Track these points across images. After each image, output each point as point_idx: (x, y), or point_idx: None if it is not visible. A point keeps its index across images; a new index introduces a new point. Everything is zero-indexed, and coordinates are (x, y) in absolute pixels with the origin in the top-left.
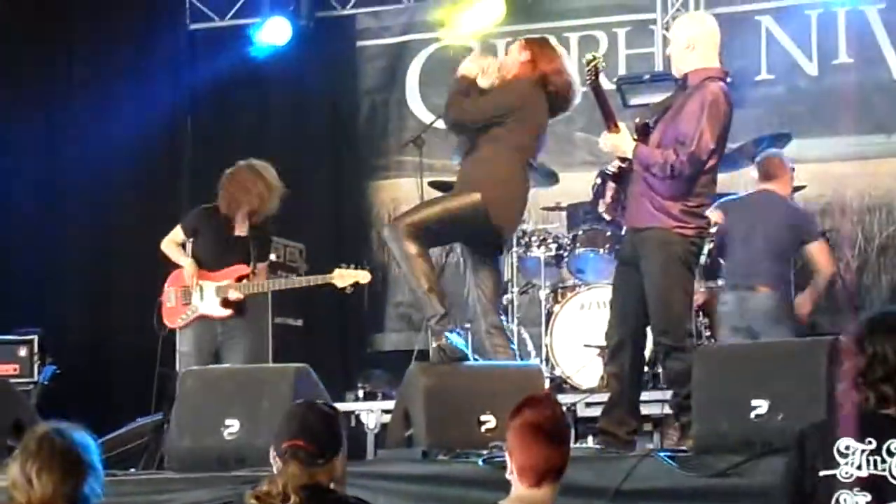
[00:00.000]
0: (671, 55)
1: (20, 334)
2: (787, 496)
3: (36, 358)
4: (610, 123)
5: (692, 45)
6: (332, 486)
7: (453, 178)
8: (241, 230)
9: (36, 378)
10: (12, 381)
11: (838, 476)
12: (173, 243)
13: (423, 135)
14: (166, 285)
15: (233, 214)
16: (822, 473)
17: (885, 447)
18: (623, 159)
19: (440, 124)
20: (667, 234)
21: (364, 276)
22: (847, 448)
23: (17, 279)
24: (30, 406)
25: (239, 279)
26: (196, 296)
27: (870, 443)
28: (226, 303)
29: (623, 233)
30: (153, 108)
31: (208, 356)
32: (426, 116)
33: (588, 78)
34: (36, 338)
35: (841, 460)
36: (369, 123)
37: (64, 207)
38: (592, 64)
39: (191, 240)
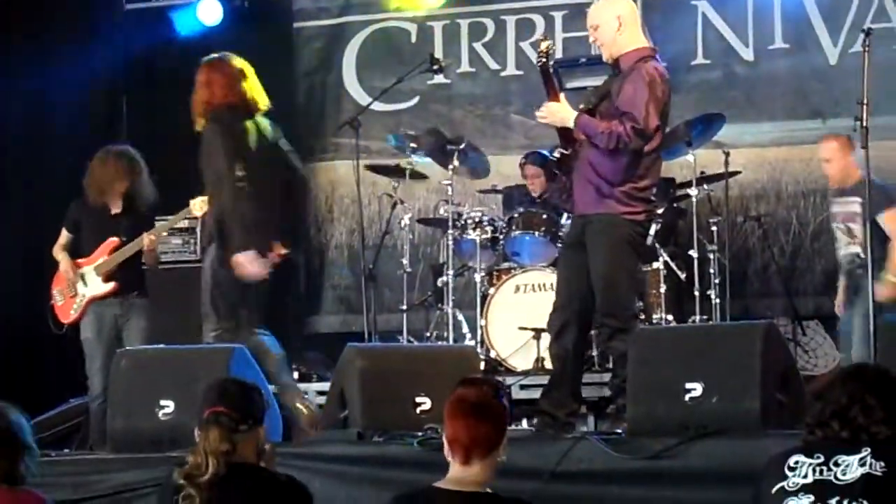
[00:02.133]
0: (600, 41)
1: None
2: None
3: None
4: (552, 96)
5: (622, 26)
6: (261, 464)
7: (389, 161)
8: (116, 209)
9: None
10: None
11: (786, 486)
12: (58, 247)
13: (359, 117)
14: (52, 287)
15: (104, 202)
16: (773, 490)
17: (832, 460)
18: (564, 146)
19: (376, 106)
20: (614, 219)
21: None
22: (797, 462)
23: None
24: None
25: (112, 252)
26: (80, 284)
27: (818, 457)
28: (107, 277)
29: (564, 217)
30: (88, 88)
31: (110, 338)
32: (363, 98)
33: (539, 60)
34: None
35: (790, 473)
36: (306, 105)
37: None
38: (544, 47)
39: (73, 236)
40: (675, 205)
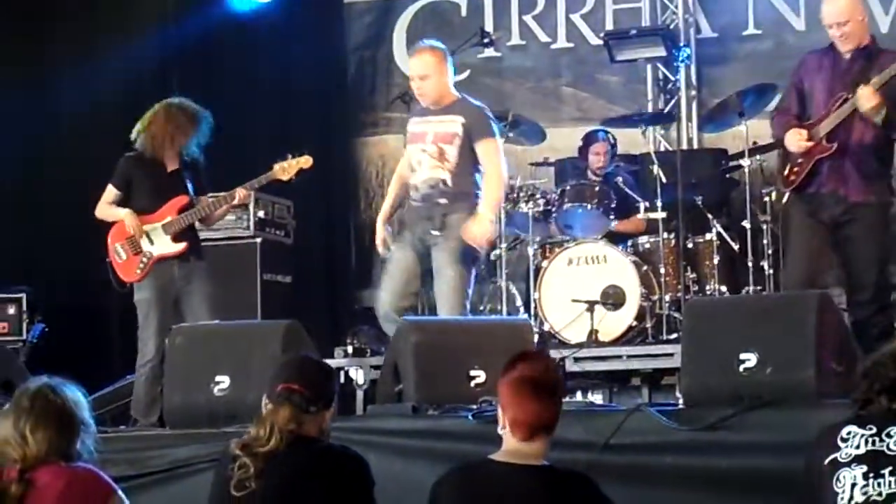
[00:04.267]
0: (848, 34)
1: (9, 292)
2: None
3: (25, 316)
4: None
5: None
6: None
7: None
8: (173, 166)
9: (25, 336)
10: (1, 339)
11: (838, 457)
12: (106, 204)
13: (410, 91)
14: (109, 243)
15: (159, 154)
16: (826, 461)
17: (884, 432)
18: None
19: None
20: (886, 206)
21: (306, 161)
22: (849, 433)
23: (4, 237)
24: (19, 364)
25: (181, 211)
26: (145, 242)
27: (871, 429)
28: (176, 237)
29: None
30: (139, 66)
31: (168, 302)
32: None
33: None
34: (24, 296)
35: (842, 444)
36: (357, 80)
37: (50, 165)
38: None
39: (123, 193)
40: (727, 175)
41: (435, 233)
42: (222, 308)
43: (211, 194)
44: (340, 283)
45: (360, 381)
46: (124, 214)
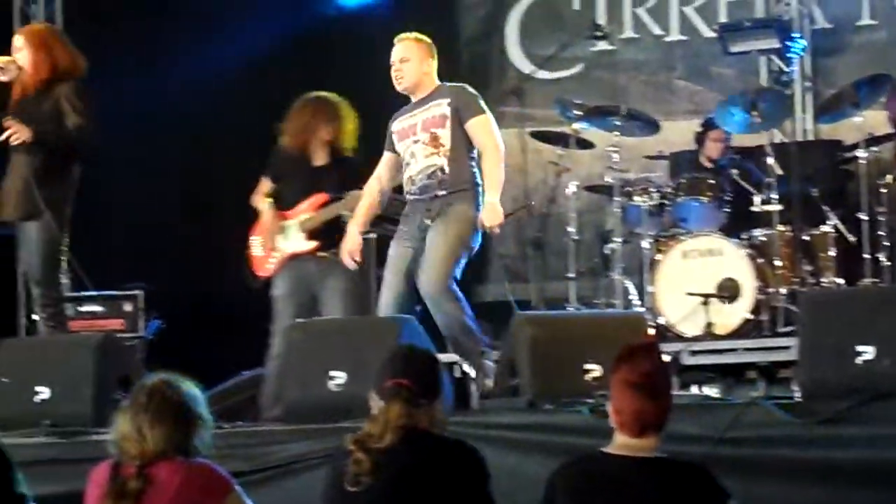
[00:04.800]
0: None
1: (125, 289)
2: None
3: (141, 313)
4: None
5: None
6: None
7: (554, 129)
8: (321, 161)
9: (141, 333)
10: (118, 336)
11: None
12: (258, 195)
13: (522, 85)
14: (251, 237)
15: (299, 149)
16: None
17: None
18: None
19: (540, 74)
20: None
21: None
22: None
23: (121, 235)
24: (137, 360)
25: (319, 208)
26: (280, 238)
27: None
28: (310, 235)
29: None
30: (250, 54)
31: (303, 298)
32: (526, 66)
33: None
34: (141, 293)
35: None
36: (469, 74)
37: (166, 161)
38: None
39: (275, 185)
40: (842, 167)
41: (428, 221)
42: (361, 303)
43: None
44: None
45: (475, 376)
46: (263, 208)
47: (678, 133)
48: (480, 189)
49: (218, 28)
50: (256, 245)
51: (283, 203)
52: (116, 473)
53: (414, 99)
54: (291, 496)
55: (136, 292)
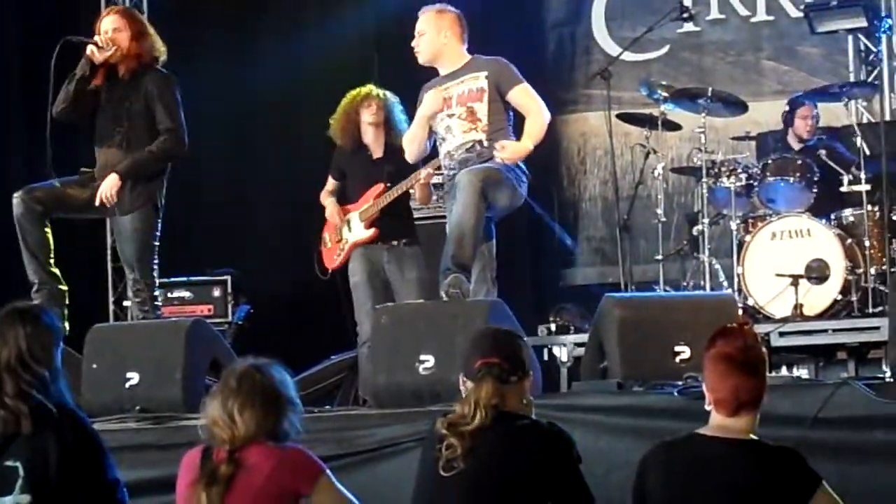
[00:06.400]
0: None
1: (214, 275)
2: None
3: (230, 298)
4: None
5: None
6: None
7: (642, 111)
8: (378, 153)
9: (230, 318)
10: (207, 321)
11: None
12: (324, 193)
13: (610, 67)
14: (323, 233)
15: (358, 143)
16: None
17: None
18: None
19: (627, 56)
20: None
21: None
22: None
23: (210, 220)
24: (226, 345)
25: (377, 197)
26: (345, 230)
27: None
28: (369, 223)
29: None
30: (340, 43)
31: (378, 284)
32: (612, 49)
33: None
34: (229, 278)
35: None
36: (556, 57)
37: (255, 146)
38: None
39: (339, 182)
40: None
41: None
42: (432, 291)
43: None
44: (544, 261)
45: (564, 359)
46: (327, 204)
47: (765, 114)
48: (518, 167)
49: (304, 23)
50: (326, 239)
51: (347, 197)
52: (207, 458)
53: (442, 71)
54: (382, 480)
55: (224, 278)
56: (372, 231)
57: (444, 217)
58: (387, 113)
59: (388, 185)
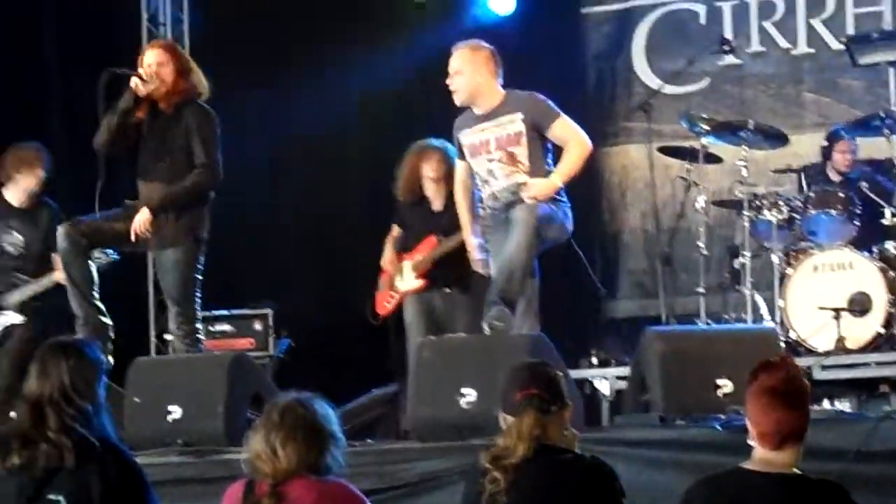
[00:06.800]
0: None
1: (255, 308)
2: None
3: (271, 332)
4: None
5: None
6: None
7: (683, 143)
8: (438, 205)
9: (271, 352)
10: (249, 354)
11: None
12: (390, 239)
13: (650, 100)
14: (381, 278)
15: (419, 195)
16: None
17: None
18: None
19: (667, 89)
20: None
21: None
22: None
23: (251, 254)
24: (267, 379)
25: (430, 250)
26: (398, 278)
27: None
28: (420, 275)
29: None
30: (383, 77)
31: (432, 326)
32: (653, 81)
33: None
34: (270, 311)
35: None
36: (596, 90)
37: (296, 181)
38: None
39: (402, 231)
40: None
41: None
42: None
43: None
44: (584, 295)
45: (606, 393)
46: (385, 251)
47: (807, 146)
48: (562, 197)
49: (346, 59)
50: (380, 285)
51: (405, 246)
52: (250, 492)
53: (478, 111)
54: None
55: (265, 311)
56: (420, 283)
57: None
58: (447, 167)
59: (441, 238)
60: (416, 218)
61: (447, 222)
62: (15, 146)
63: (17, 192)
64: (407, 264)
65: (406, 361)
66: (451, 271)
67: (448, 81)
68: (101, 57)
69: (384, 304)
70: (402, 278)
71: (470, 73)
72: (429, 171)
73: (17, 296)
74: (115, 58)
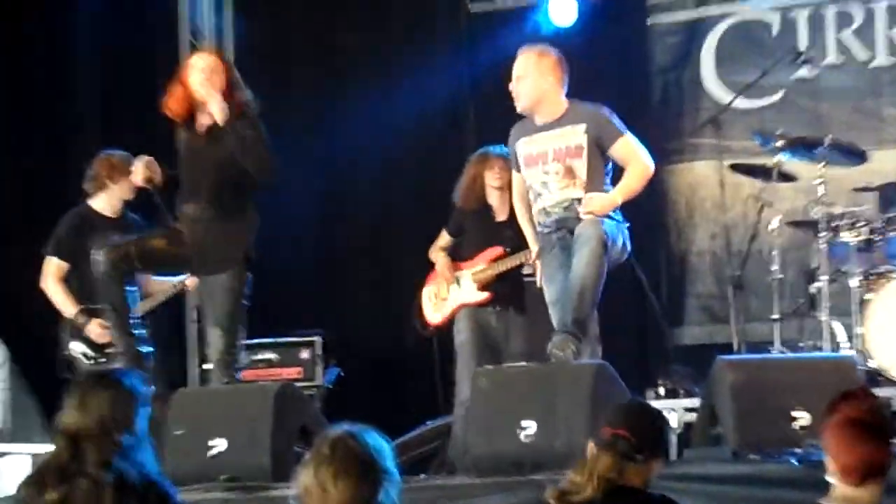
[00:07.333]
0: None
1: (302, 336)
2: None
3: (319, 360)
4: None
5: None
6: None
7: (755, 161)
8: (502, 215)
9: (319, 381)
10: (296, 384)
11: None
12: (438, 248)
13: (720, 115)
14: (424, 287)
15: (482, 204)
16: None
17: None
18: None
19: (738, 103)
20: None
21: None
22: None
23: (299, 279)
24: (315, 410)
25: (494, 260)
26: (454, 287)
27: None
28: (482, 286)
29: None
30: (434, 96)
31: (485, 346)
32: (722, 95)
33: None
34: (318, 339)
35: None
36: (662, 104)
37: (344, 204)
38: None
39: (455, 239)
40: None
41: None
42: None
43: None
44: (650, 321)
45: (675, 425)
46: (438, 258)
47: (887, 163)
48: (619, 216)
49: (396, 74)
50: (427, 295)
51: (460, 255)
52: None
53: (539, 120)
54: None
55: (313, 339)
56: (485, 295)
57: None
58: (510, 175)
59: (508, 250)
60: (477, 226)
61: (513, 234)
62: (106, 154)
63: (112, 201)
64: (466, 273)
65: (453, 385)
66: (510, 291)
67: (511, 86)
68: (140, 72)
69: (436, 315)
70: (460, 287)
71: (535, 78)
72: (492, 179)
73: (146, 305)
74: (154, 70)
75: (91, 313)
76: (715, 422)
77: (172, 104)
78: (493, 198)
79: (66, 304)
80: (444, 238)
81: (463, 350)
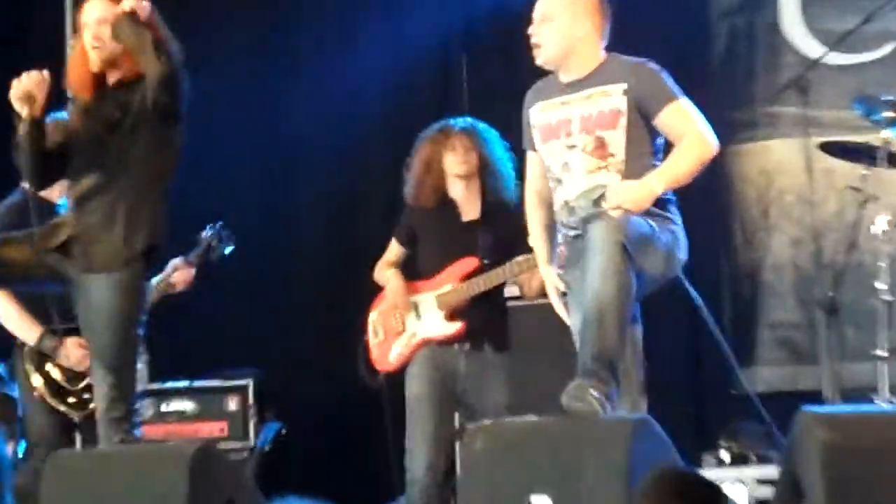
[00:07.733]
0: None
1: (230, 378)
2: None
3: (252, 412)
4: None
5: None
6: None
7: (853, 137)
8: (470, 214)
9: (252, 441)
10: (220, 446)
11: None
12: (382, 263)
13: (807, 74)
14: (369, 317)
15: (442, 200)
16: None
17: None
18: None
19: (832, 58)
20: None
21: None
22: None
23: (227, 302)
24: (246, 480)
25: (466, 277)
26: (411, 317)
27: None
28: (451, 314)
29: None
30: (416, 51)
31: (448, 402)
32: (811, 48)
33: None
34: (251, 382)
35: None
36: (726, 60)
37: (290, 197)
38: None
39: (408, 251)
40: None
41: None
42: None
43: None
44: (709, 359)
45: (744, 502)
46: (389, 277)
47: None
48: (672, 213)
49: (361, 18)
50: (376, 328)
51: (417, 271)
52: None
53: (565, 77)
54: None
55: (244, 382)
56: (457, 326)
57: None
58: (482, 157)
59: (486, 262)
60: (437, 230)
61: (491, 239)
62: None
63: None
64: (427, 297)
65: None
66: (488, 318)
67: (530, 31)
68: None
69: (387, 357)
70: (420, 317)
71: (567, 21)
72: (454, 164)
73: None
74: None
75: None
76: (800, 497)
77: (75, 80)
78: (457, 189)
79: None
80: (394, 249)
81: (416, 407)
